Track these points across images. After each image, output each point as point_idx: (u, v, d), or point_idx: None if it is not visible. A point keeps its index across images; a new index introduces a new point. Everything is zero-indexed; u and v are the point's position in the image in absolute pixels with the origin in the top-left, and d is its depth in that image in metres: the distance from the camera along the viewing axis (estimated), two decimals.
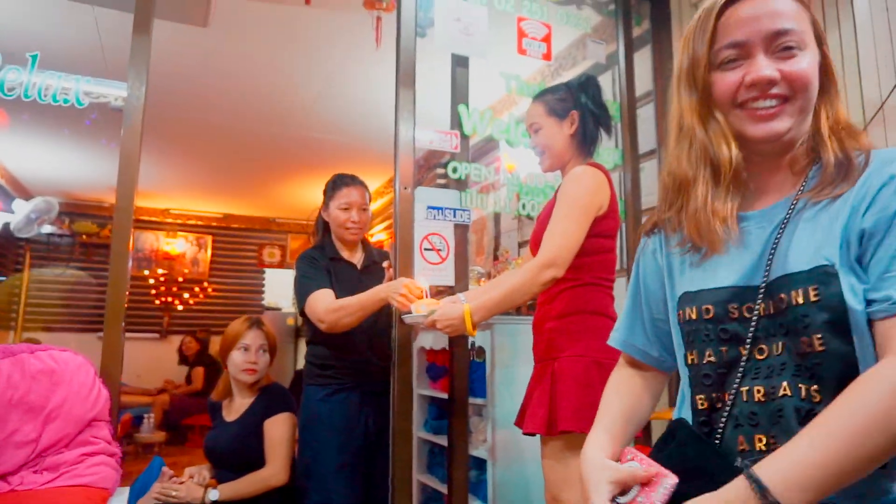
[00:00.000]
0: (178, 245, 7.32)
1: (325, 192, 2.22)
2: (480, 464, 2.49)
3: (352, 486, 2.00)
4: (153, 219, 7.22)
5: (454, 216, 2.11)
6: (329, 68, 3.55)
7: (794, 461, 0.64)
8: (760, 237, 0.81)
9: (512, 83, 2.26)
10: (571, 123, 1.67)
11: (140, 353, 6.75)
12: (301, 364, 7.54)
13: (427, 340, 2.86)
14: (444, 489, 2.51)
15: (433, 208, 2.07)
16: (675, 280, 0.91)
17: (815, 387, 0.73)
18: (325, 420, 2.02)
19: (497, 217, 3.98)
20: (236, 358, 2.09)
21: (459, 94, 2.18)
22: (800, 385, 0.74)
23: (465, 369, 2.13)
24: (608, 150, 2.46)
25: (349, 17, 2.91)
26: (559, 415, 1.50)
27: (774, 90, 0.79)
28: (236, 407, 2.13)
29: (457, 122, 2.14)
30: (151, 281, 7.08)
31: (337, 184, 2.18)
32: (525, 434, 1.61)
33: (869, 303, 0.71)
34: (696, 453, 0.76)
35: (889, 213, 0.72)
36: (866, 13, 1.88)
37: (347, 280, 2.10)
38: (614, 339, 1.03)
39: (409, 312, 1.67)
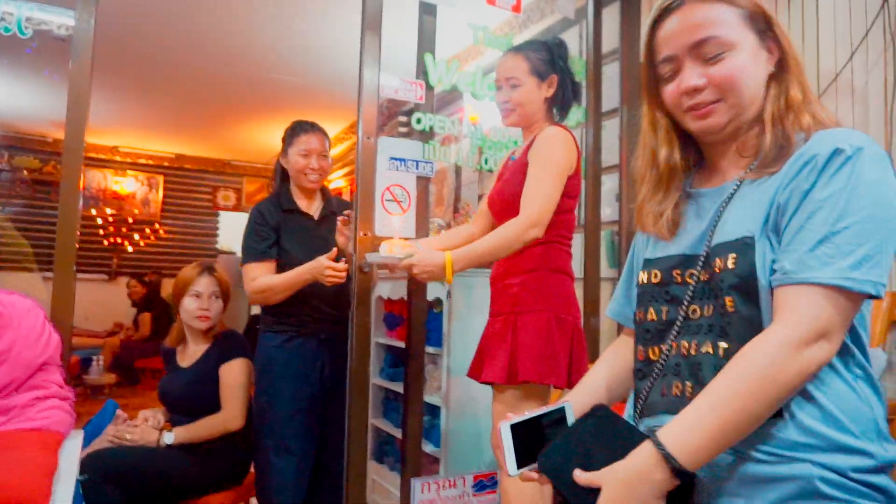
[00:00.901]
0: (127, 184, 7.05)
1: (283, 139, 2.18)
2: (434, 410, 2.57)
3: (307, 430, 2.04)
4: (101, 156, 6.92)
5: (417, 168, 2.10)
6: (291, 7, 3.41)
7: (692, 427, 0.74)
8: (710, 211, 0.90)
9: (480, 34, 2.22)
10: (550, 86, 1.70)
11: (88, 294, 6.57)
12: (256, 309, 7.52)
13: (385, 290, 2.88)
14: (398, 434, 2.59)
15: (396, 159, 2.05)
16: (643, 252, 1.01)
17: (727, 345, 0.81)
18: (282, 367, 2.04)
19: (458, 169, 3.97)
20: (188, 305, 2.07)
21: (426, 43, 2.13)
22: (718, 343, 0.82)
23: (423, 320, 2.17)
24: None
25: None
26: (520, 366, 1.57)
27: (704, 95, 0.86)
28: (190, 353, 2.12)
29: (422, 72, 2.10)
30: (99, 221, 6.84)
31: (296, 130, 2.14)
32: (482, 383, 1.66)
33: (773, 271, 0.79)
34: (609, 425, 0.84)
35: (802, 191, 0.78)
36: None
37: (301, 233, 2.11)
38: (611, 311, 1.12)
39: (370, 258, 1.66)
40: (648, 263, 0.96)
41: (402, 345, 2.61)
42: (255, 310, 7.55)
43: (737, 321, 0.80)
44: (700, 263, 0.86)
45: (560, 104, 1.75)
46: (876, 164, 0.76)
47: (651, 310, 0.92)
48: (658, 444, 0.73)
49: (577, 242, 2.52)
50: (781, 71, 0.87)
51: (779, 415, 0.77)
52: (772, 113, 0.86)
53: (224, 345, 2.10)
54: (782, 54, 0.87)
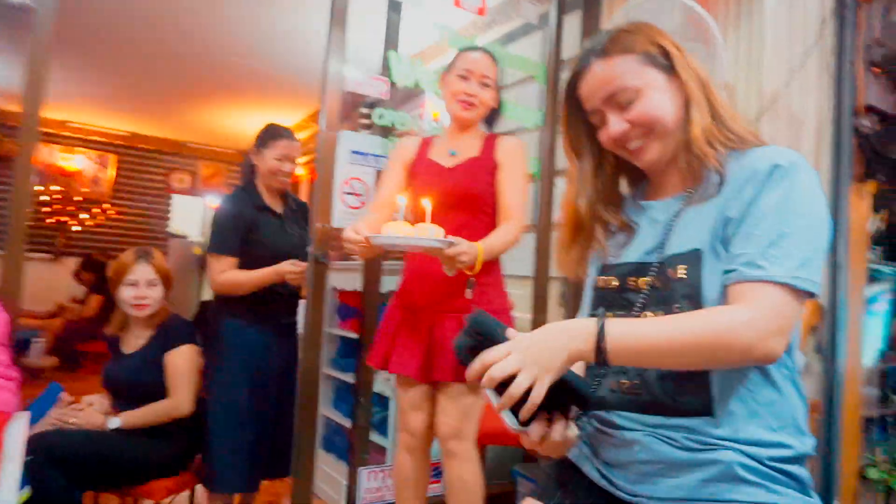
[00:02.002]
0: (76, 161, 6.81)
1: (259, 137, 2.20)
2: (384, 401, 2.62)
3: (259, 417, 2.07)
4: (48, 130, 6.65)
5: (377, 163, 2.13)
6: None
7: (636, 332, 0.82)
8: (661, 223, 0.98)
9: (445, 33, 2.27)
10: (494, 98, 1.82)
11: (30, 274, 6.30)
12: (206, 295, 7.36)
13: (338, 281, 2.91)
14: (348, 424, 2.63)
15: (356, 153, 2.08)
16: (601, 259, 1.09)
17: None
18: (234, 354, 2.06)
19: None
20: (124, 294, 2.03)
21: (391, 40, 2.17)
22: None
23: (376, 311, 2.21)
24: (529, 111, 2.54)
25: None
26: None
27: (633, 135, 0.97)
28: (134, 340, 2.08)
29: (387, 69, 2.13)
30: (44, 198, 6.59)
31: (275, 134, 2.18)
32: (437, 380, 1.70)
33: (725, 274, 0.87)
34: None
35: (747, 202, 0.87)
36: (773, 12, 2.03)
37: (273, 230, 2.16)
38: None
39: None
40: (606, 269, 1.04)
41: (354, 336, 2.64)
42: (207, 295, 7.42)
43: None
44: (653, 271, 0.93)
45: (492, 114, 1.87)
46: (809, 179, 0.86)
47: (607, 313, 0.97)
48: (602, 321, 0.82)
49: (529, 243, 2.61)
50: (696, 102, 0.95)
51: (708, 412, 0.86)
52: (689, 138, 0.94)
53: (169, 332, 2.07)
54: (682, 84, 0.95)
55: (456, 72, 1.76)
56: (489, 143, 1.79)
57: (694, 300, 0.88)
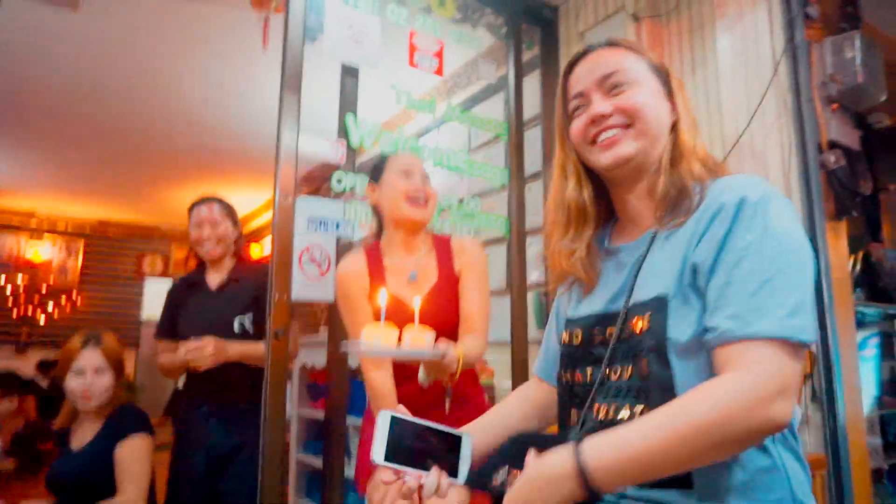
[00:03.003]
0: (43, 251, 6.67)
1: None
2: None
3: None
4: (14, 222, 6.55)
5: (337, 228, 2.04)
6: (217, 67, 3.38)
7: (616, 448, 0.69)
8: (627, 266, 0.88)
9: (403, 97, 2.24)
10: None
11: None
12: (181, 383, 7.09)
13: (308, 358, 2.76)
14: None
15: (315, 220, 1.99)
16: (565, 311, 1.01)
17: (643, 408, 0.77)
18: (183, 441, 2.01)
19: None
20: (70, 384, 1.86)
21: (348, 104, 2.13)
22: (636, 406, 0.78)
23: (344, 389, 2.06)
24: (496, 169, 2.50)
25: (237, 15, 2.78)
26: None
27: (612, 121, 0.88)
28: (83, 433, 1.90)
29: (344, 133, 2.08)
30: (9, 289, 6.39)
31: (190, 207, 2.17)
32: None
33: (706, 330, 0.75)
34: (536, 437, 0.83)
35: (717, 242, 0.76)
36: (727, 57, 2.05)
37: (195, 307, 2.11)
38: (537, 369, 1.10)
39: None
40: (570, 323, 0.94)
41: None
42: (180, 383, 7.14)
43: (653, 383, 0.77)
44: (619, 322, 0.83)
45: None
46: (783, 210, 0.76)
47: (577, 372, 0.90)
48: (577, 453, 0.69)
49: (504, 305, 2.50)
50: (678, 123, 0.90)
51: (686, 484, 0.73)
52: (668, 159, 0.87)
53: (119, 421, 1.90)
54: (674, 106, 0.90)
55: (394, 173, 1.60)
56: (444, 252, 1.64)
57: (661, 353, 0.77)
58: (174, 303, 2.13)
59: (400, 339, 1.22)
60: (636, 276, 0.84)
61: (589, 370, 0.87)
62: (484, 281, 1.61)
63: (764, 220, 0.74)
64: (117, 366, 1.94)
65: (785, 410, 0.67)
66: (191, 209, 2.16)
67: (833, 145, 1.72)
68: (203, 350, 1.86)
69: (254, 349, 1.98)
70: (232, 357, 1.93)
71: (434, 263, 1.62)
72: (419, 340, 1.24)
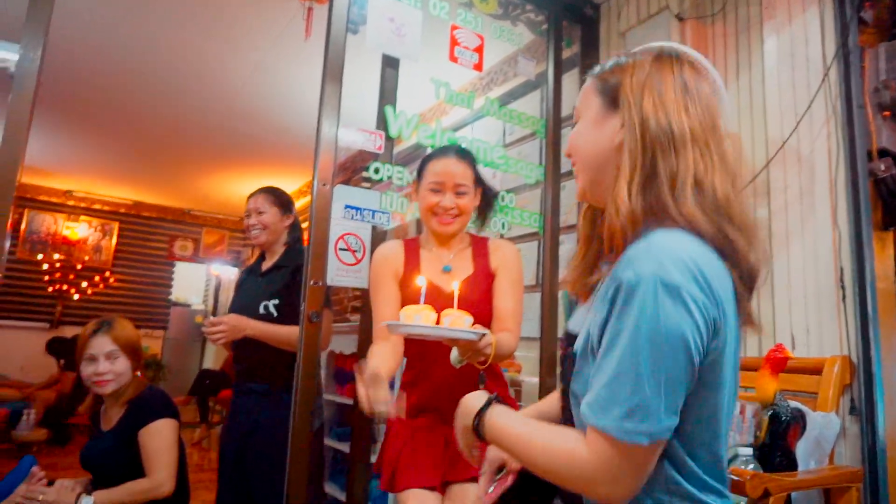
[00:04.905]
0: (79, 230, 6.83)
1: None
2: None
3: (233, 487, 2.00)
4: (52, 200, 6.72)
5: (372, 217, 2.06)
6: (256, 57, 3.43)
7: (504, 424, 0.87)
8: (598, 291, 0.87)
9: (441, 90, 2.25)
10: (477, 197, 1.67)
11: (27, 343, 6.23)
12: (208, 363, 7.19)
13: (336, 344, 2.78)
14: (344, 498, 2.44)
15: (351, 208, 2.01)
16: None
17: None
18: (230, 419, 2.08)
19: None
20: (85, 371, 1.89)
21: (387, 95, 2.14)
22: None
23: None
24: (531, 166, 2.49)
25: (279, 4, 2.81)
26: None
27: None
28: (110, 416, 1.94)
29: (382, 123, 2.10)
30: (45, 266, 6.57)
31: (248, 198, 2.29)
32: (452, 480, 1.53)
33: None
34: None
35: (601, 322, 0.77)
36: (774, 60, 2.01)
37: (242, 289, 2.27)
38: None
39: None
40: (563, 338, 1.00)
41: (351, 402, 2.50)
42: (207, 363, 7.25)
43: (566, 420, 0.89)
44: (568, 345, 0.91)
45: (484, 211, 1.73)
46: (649, 302, 0.71)
47: (562, 387, 0.96)
48: (485, 406, 0.90)
49: (534, 302, 2.50)
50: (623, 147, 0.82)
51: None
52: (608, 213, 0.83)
53: (141, 407, 1.90)
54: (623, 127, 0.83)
55: (427, 185, 1.60)
56: (481, 250, 1.66)
57: (567, 386, 0.86)
58: (236, 286, 2.32)
59: (438, 321, 1.27)
60: (589, 304, 0.88)
61: (563, 385, 0.94)
62: (519, 283, 1.64)
63: (628, 313, 0.72)
64: (131, 351, 1.94)
65: (615, 494, 0.74)
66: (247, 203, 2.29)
67: (883, 153, 1.68)
68: (216, 326, 1.96)
69: (274, 330, 2.02)
70: (249, 334, 2.00)
71: (470, 258, 1.65)
72: (459, 321, 1.27)
